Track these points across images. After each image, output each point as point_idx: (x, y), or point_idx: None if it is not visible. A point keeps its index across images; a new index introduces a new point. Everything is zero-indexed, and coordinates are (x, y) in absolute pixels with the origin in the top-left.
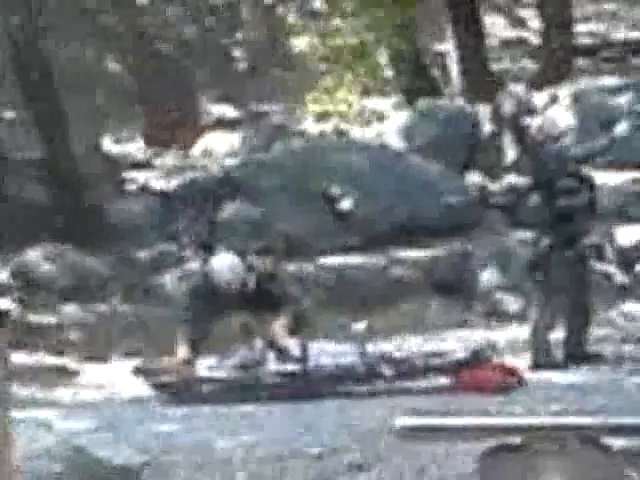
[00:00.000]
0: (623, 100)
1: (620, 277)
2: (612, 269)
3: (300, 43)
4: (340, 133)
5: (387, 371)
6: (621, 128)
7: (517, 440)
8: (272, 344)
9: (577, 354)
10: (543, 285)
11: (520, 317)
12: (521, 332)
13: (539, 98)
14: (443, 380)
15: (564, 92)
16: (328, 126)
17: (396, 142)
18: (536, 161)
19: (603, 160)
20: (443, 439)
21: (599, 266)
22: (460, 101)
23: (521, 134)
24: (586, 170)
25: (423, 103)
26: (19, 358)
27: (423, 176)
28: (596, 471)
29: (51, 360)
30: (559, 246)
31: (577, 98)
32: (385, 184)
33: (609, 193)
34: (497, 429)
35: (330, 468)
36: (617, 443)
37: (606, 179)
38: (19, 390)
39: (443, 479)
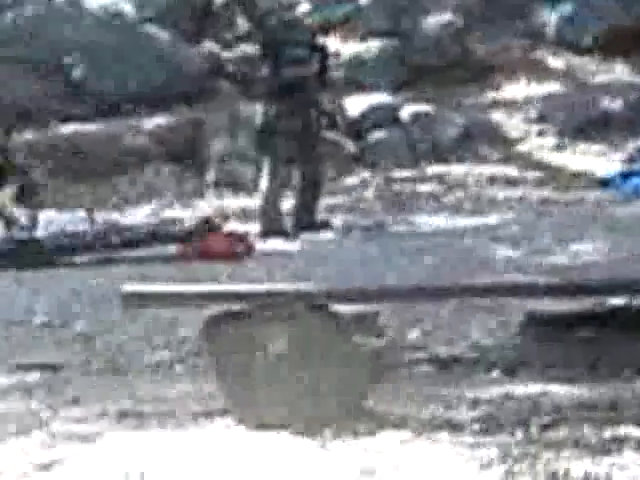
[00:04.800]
0: None
1: (351, 147)
2: (343, 139)
3: None
4: (72, 2)
5: (115, 239)
6: None
7: (242, 307)
8: None
9: (306, 223)
10: (272, 154)
11: (251, 186)
12: (252, 201)
13: None
14: (173, 248)
15: None
16: None
17: (128, 11)
18: (263, 30)
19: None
20: (170, 305)
21: (330, 136)
22: None
23: (249, 2)
24: (321, 39)
25: None
26: None
27: (155, 45)
28: (323, 336)
29: None
30: (286, 116)
31: None
32: (116, 54)
33: (342, 62)
34: (224, 296)
35: (58, 337)
36: (346, 309)
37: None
38: None
39: (170, 345)
